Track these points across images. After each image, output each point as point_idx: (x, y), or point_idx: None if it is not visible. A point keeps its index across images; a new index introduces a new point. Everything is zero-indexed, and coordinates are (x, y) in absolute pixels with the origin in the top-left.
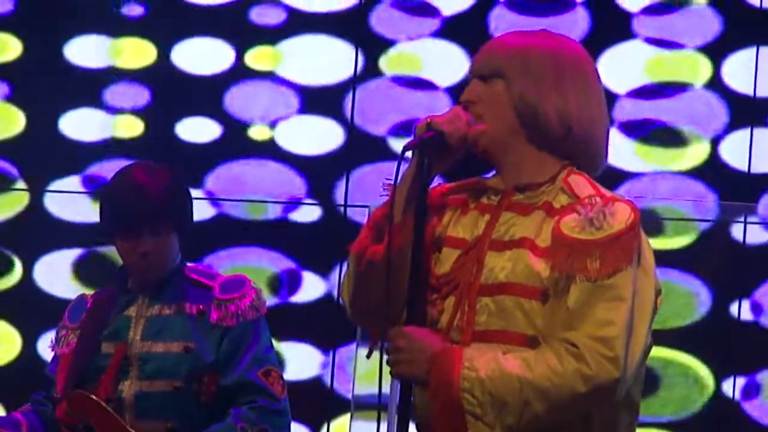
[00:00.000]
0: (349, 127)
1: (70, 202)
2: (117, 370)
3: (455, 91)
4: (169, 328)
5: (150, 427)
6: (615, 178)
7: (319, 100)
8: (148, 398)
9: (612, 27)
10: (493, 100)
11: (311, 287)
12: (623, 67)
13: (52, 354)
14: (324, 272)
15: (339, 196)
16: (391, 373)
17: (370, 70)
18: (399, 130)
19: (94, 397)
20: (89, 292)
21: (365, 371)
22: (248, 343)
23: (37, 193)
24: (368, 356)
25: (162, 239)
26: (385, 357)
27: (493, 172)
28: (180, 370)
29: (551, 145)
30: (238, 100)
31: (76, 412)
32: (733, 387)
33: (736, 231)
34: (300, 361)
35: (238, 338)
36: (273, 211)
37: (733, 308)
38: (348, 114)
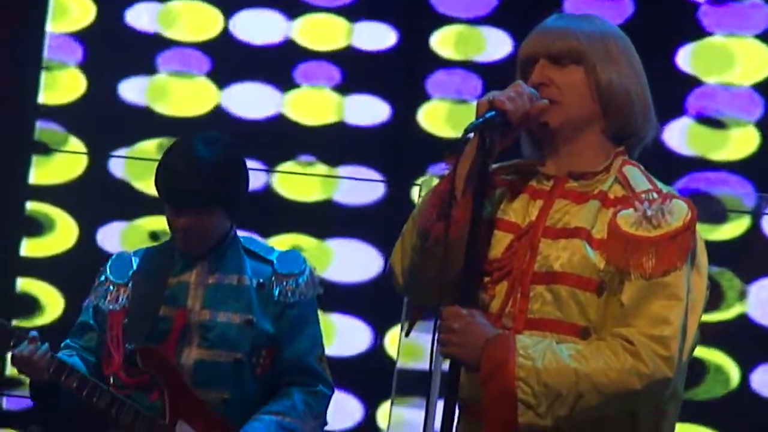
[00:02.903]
0: None
1: None
2: (179, 336)
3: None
4: (230, 298)
5: (206, 395)
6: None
7: None
8: (207, 367)
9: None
10: (572, 87)
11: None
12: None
13: (93, 305)
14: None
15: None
16: (441, 352)
17: None
18: None
19: (167, 356)
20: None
21: (410, 347)
22: (307, 323)
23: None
24: (407, 334)
25: (203, 217)
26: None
27: (539, 156)
28: (241, 342)
29: (620, 134)
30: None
31: (148, 367)
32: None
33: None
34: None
35: (297, 316)
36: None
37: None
38: None
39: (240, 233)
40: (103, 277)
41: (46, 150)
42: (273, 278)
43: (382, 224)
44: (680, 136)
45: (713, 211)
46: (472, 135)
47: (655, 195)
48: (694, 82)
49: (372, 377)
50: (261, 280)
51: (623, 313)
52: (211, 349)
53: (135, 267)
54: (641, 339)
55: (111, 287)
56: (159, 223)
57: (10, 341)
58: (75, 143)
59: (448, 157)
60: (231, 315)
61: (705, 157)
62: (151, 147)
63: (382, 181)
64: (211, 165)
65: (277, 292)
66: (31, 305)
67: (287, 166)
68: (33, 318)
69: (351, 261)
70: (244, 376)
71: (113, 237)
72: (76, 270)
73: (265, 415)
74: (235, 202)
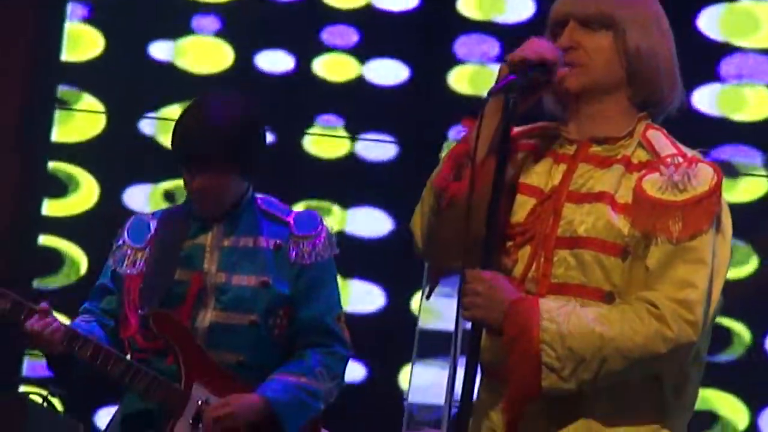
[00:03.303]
0: None
1: None
2: (194, 299)
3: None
4: (245, 260)
5: (221, 358)
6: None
7: None
8: (222, 330)
9: None
10: (601, 49)
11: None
12: None
13: (112, 269)
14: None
15: None
16: (464, 315)
17: None
18: None
19: (180, 320)
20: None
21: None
22: (324, 283)
23: None
24: (428, 297)
25: (220, 179)
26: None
27: (563, 118)
28: (257, 304)
29: (645, 102)
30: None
31: (161, 332)
32: None
33: None
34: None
35: (314, 277)
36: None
37: None
38: None
39: (257, 195)
40: (120, 241)
41: (68, 108)
42: (289, 239)
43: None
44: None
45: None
46: (495, 96)
47: (681, 159)
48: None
49: (392, 339)
50: (277, 242)
51: (648, 277)
52: (226, 312)
53: (152, 230)
54: (666, 303)
55: (129, 251)
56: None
57: (21, 314)
58: (94, 102)
59: (469, 119)
60: (246, 277)
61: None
62: (176, 108)
63: (392, 142)
64: (228, 125)
65: (293, 254)
66: (54, 263)
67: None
68: (55, 276)
69: (366, 223)
70: (261, 338)
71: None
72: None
73: (281, 376)
74: (251, 164)
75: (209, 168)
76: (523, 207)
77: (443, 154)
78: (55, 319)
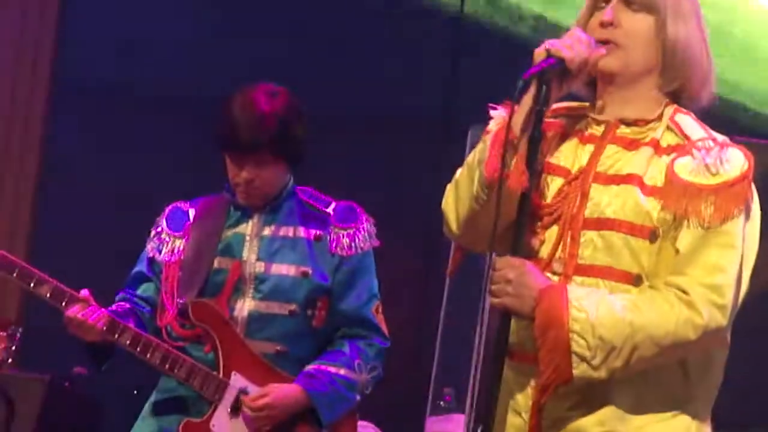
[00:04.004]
0: None
1: None
2: (233, 288)
3: None
4: (285, 250)
5: (259, 347)
6: None
7: None
8: (261, 319)
9: None
10: (639, 33)
11: None
12: None
13: (149, 256)
14: None
15: None
16: (493, 302)
17: None
18: None
19: (219, 309)
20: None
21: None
22: (364, 274)
23: None
24: (450, 275)
25: (266, 169)
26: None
27: (591, 98)
28: (296, 294)
29: (675, 93)
30: None
31: (200, 321)
32: None
33: None
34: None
35: (354, 268)
36: None
37: None
38: None
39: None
40: (159, 228)
41: None
42: (329, 230)
43: None
44: None
45: None
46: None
47: (712, 143)
48: None
49: None
50: (317, 232)
51: (678, 260)
52: (264, 301)
53: (191, 219)
54: (697, 288)
55: (167, 239)
56: None
57: (62, 301)
58: None
59: (505, 104)
60: (286, 266)
61: None
62: None
63: None
64: (274, 117)
65: (333, 245)
66: None
67: None
68: None
69: None
70: (299, 327)
71: None
72: None
73: (319, 367)
74: (297, 155)
75: (257, 158)
76: (550, 188)
77: (484, 137)
78: (98, 308)
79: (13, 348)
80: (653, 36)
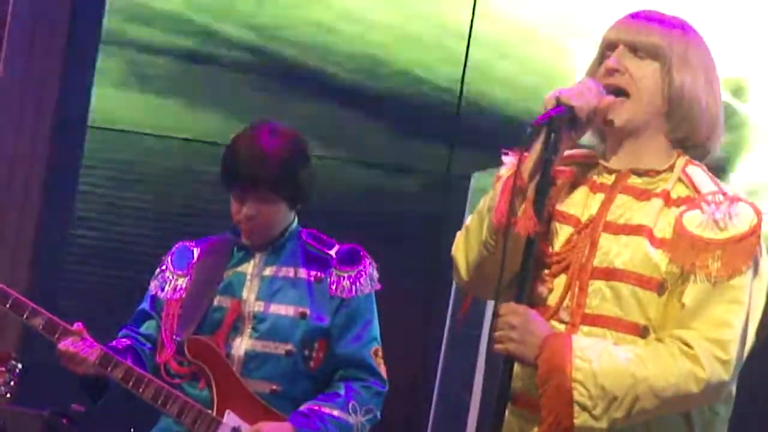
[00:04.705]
0: None
1: None
2: (230, 326)
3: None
4: (285, 290)
5: (255, 386)
6: None
7: None
8: (258, 358)
9: None
10: (645, 80)
11: None
12: None
13: (152, 294)
14: None
15: None
16: (497, 348)
17: None
18: None
19: (215, 346)
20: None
21: None
22: (363, 318)
23: None
24: (458, 321)
25: (267, 207)
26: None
27: (602, 146)
28: (293, 334)
29: (683, 142)
30: None
31: (195, 358)
32: None
33: None
34: None
35: (353, 311)
36: None
37: None
38: None
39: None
40: (163, 266)
41: None
42: (330, 273)
43: None
44: None
45: None
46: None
47: (722, 197)
48: None
49: None
50: (318, 274)
51: (684, 314)
52: (261, 340)
53: (195, 258)
54: (701, 342)
55: (170, 277)
56: None
57: (55, 334)
58: None
59: (514, 151)
60: (285, 307)
61: None
62: None
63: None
64: (278, 154)
65: (333, 287)
66: None
67: None
68: None
69: None
70: (296, 368)
71: None
72: None
73: (313, 407)
74: (300, 194)
75: (258, 195)
76: (559, 236)
77: (495, 185)
78: (90, 342)
79: (12, 383)
80: (659, 82)
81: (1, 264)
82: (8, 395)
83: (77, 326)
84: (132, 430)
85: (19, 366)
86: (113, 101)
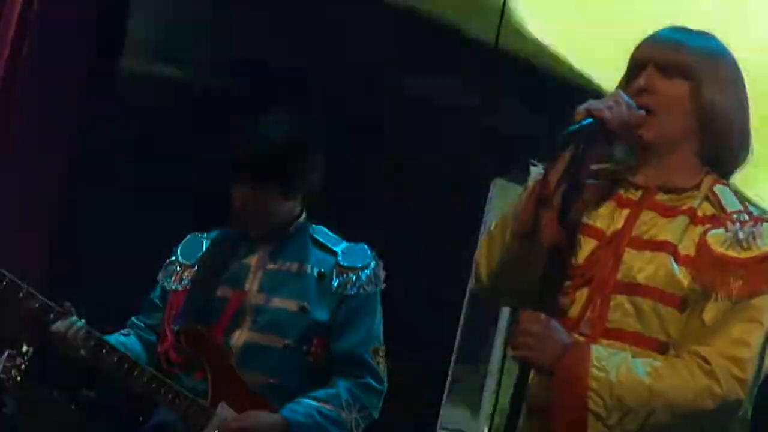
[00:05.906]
0: None
1: None
2: (231, 317)
3: None
4: (287, 284)
5: (252, 378)
6: None
7: None
8: (255, 350)
9: None
10: (675, 99)
11: None
12: None
13: (161, 285)
14: None
15: None
16: (515, 355)
17: None
18: None
19: (211, 337)
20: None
21: None
22: (364, 316)
23: None
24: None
25: (259, 194)
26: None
27: (630, 161)
28: (293, 328)
29: (713, 158)
30: None
31: (191, 347)
32: None
33: None
34: None
35: (355, 309)
36: None
37: None
38: None
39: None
40: (173, 258)
41: None
42: (334, 269)
43: None
44: None
45: None
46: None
47: (747, 217)
48: None
49: None
50: (322, 270)
51: (703, 331)
52: (260, 333)
53: (204, 249)
54: (719, 359)
55: (178, 268)
56: None
57: (49, 316)
58: None
59: (544, 160)
60: (286, 301)
61: None
62: None
63: None
64: (272, 142)
65: (336, 284)
66: None
67: None
68: None
69: None
70: (293, 362)
71: None
72: None
73: (305, 399)
74: (293, 185)
75: (249, 181)
76: (583, 248)
77: (523, 194)
78: (79, 322)
79: (22, 366)
80: (689, 102)
81: (28, 251)
82: (18, 378)
83: (66, 305)
84: (141, 419)
85: (30, 349)
86: None
